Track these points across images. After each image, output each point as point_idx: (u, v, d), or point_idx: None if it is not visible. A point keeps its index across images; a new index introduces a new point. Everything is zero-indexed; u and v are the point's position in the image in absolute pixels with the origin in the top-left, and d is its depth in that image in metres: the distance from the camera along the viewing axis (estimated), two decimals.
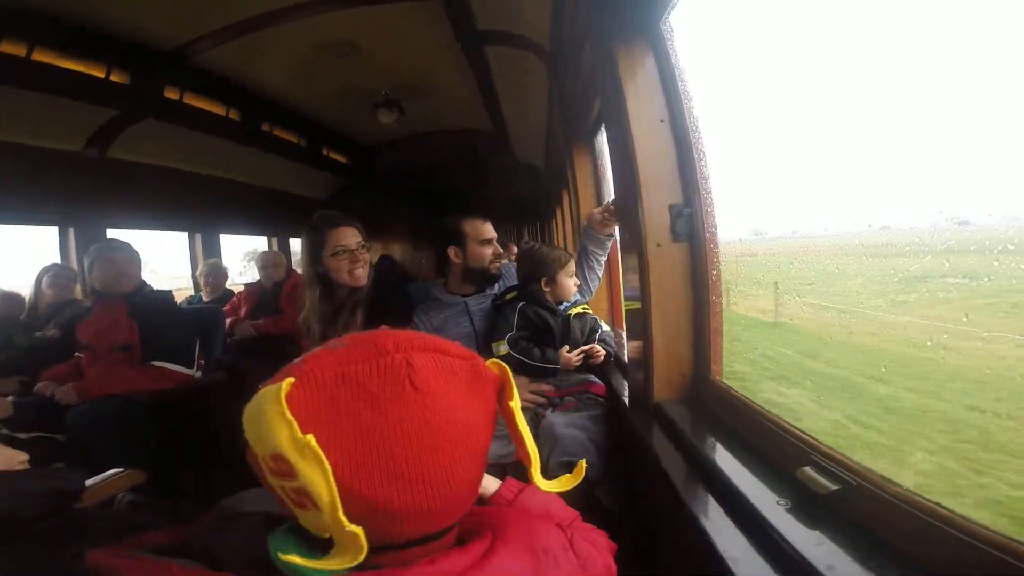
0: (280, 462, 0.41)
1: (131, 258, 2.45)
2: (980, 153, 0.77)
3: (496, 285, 1.92)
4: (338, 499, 0.41)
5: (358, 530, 0.40)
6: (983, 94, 0.74)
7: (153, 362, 2.36)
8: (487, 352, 1.75)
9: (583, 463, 0.62)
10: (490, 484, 0.78)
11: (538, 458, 0.55)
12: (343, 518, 0.40)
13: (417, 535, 0.48)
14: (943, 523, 0.58)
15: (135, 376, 2.30)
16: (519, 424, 0.55)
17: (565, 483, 0.59)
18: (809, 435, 0.86)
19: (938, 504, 0.60)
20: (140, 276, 2.49)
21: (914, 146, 0.89)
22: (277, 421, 0.41)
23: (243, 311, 3.63)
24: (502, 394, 0.55)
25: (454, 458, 0.48)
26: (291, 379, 0.43)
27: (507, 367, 0.56)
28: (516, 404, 0.55)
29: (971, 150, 0.78)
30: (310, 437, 0.40)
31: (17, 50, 2.21)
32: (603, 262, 2.00)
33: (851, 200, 1.10)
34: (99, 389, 2.21)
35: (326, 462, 0.40)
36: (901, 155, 0.93)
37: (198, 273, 3.97)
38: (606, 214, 1.85)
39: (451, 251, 1.84)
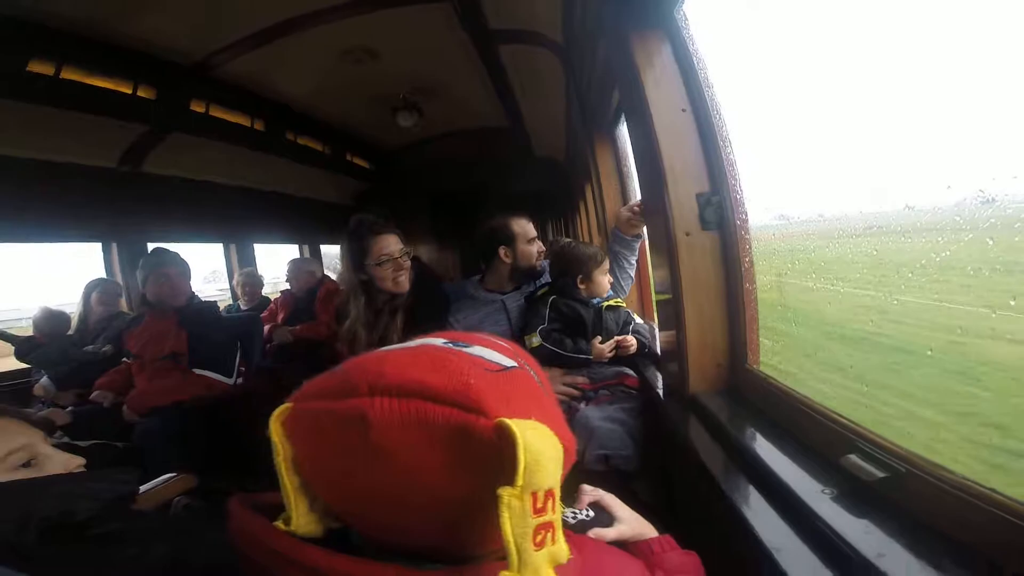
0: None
1: (183, 272, 2.55)
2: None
3: (534, 284, 1.93)
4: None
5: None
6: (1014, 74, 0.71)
7: (195, 370, 2.46)
8: (521, 346, 1.75)
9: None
10: (648, 529, 0.74)
11: (517, 559, 0.38)
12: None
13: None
14: (998, 508, 0.57)
15: (177, 386, 2.40)
16: (501, 519, 0.37)
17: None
18: (854, 422, 0.84)
19: (993, 490, 0.59)
20: (190, 288, 2.60)
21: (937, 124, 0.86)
22: (273, 443, 0.45)
23: (280, 317, 3.74)
24: (501, 468, 0.38)
25: (413, 511, 0.42)
26: (288, 405, 0.45)
27: (519, 441, 0.37)
28: (512, 493, 0.37)
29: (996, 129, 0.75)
30: (286, 465, 0.45)
31: (46, 69, 2.28)
32: (634, 263, 2.00)
33: (876, 180, 1.06)
34: (147, 403, 2.32)
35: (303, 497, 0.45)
36: (923, 132, 0.90)
37: (235, 283, 4.08)
38: (632, 214, 1.84)
39: (501, 251, 1.86)
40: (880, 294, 1.02)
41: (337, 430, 0.42)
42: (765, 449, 0.95)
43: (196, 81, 2.87)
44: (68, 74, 2.36)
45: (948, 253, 0.81)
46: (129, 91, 2.64)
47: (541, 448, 0.38)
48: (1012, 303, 0.68)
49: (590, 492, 0.75)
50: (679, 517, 1.34)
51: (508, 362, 0.49)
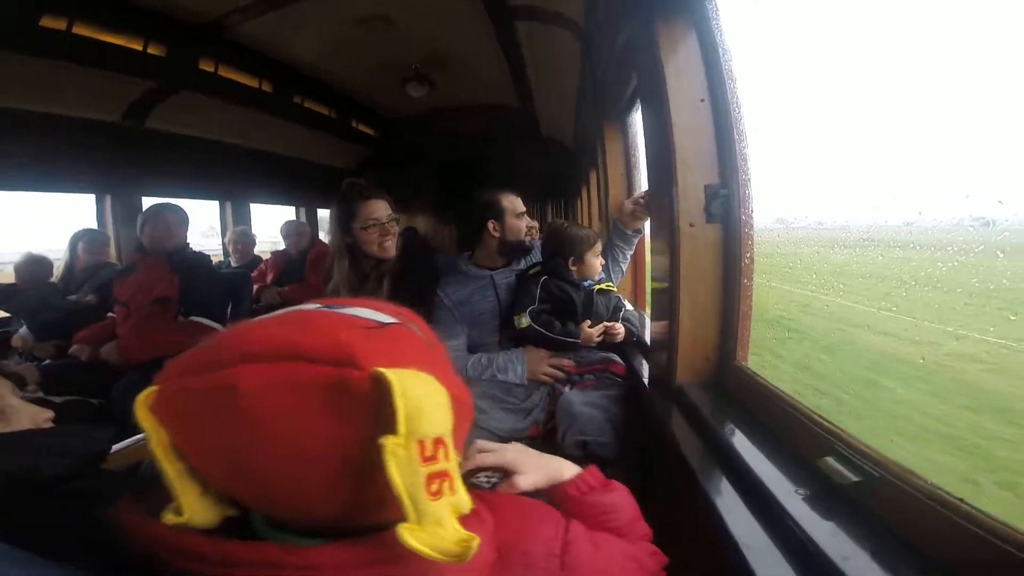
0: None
1: (181, 219, 2.62)
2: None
3: (523, 262, 1.93)
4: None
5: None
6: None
7: (191, 317, 2.46)
8: (510, 325, 1.78)
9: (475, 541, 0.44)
10: (565, 470, 0.73)
11: (413, 510, 0.37)
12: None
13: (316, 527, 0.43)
14: (965, 520, 0.57)
15: (173, 334, 2.39)
16: (388, 467, 0.36)
17: (443, 545, 0.38)
18: (834, 424, 0.85)
19: (962, 500, 0.59)
20: (185, 237, 2.63)
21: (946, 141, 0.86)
22: (143, 424, 0.41)
23: (269, 278, 3.74)
24: (382, 421, 0.37)
25: (303, 482, 0.40)
26: (154, 388, 0.42)
27: (394, 389, 0.37)
28: (395, 442, 0.36)
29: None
30: (163, 443, 0.41)
31: (57, 24, 2.27)
32: (628, 257, 2.01)
33: (884, 194, 1.06)
34: (139, 351, 2.30)
35: (178, 464, 0.42)
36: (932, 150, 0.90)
37: (227, 240, 4.04)
38: (636, 207, 1.83)
39: (490, 224, 1.86)
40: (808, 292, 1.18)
41: (210, 406, 0.39)
42: (744, 446, 0.96)
43: (208, 40, 2.85)
44: (80, 30, 2.34)
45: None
46: (140, 48, 2.62)
47: (422, 394, 0.38)
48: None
49: (484, 449, 0.75)
50: (654, 507, 1.36)
51: (387, 319, 0.47)
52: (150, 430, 0.41)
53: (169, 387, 0.41)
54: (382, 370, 0.37)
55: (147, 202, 3.44)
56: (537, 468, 0.72)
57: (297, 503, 0.42)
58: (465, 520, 0.40)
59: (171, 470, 0.41)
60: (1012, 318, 0.79)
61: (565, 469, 0.73)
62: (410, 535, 0.36)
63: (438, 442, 0.38)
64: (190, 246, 2.65)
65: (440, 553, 0.37)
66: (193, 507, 0.42)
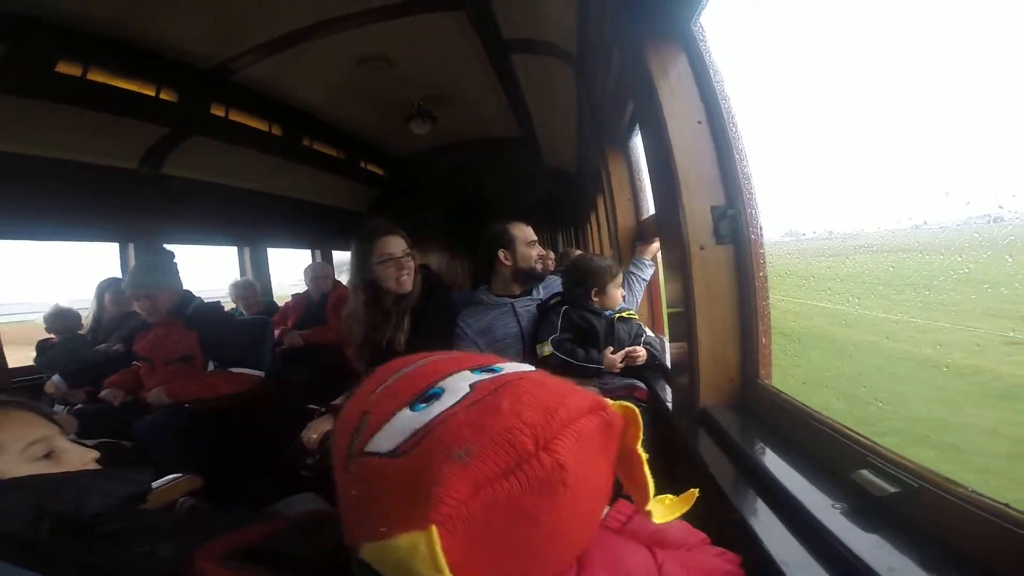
0: None
1: (159, 284, 2.46)
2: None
3: (540, 290, 1.96)
4: None
5: None
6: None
7: (231, 369, 2.46)
8: (532, 355, 1.79)
9: (694, 491, 0.55)
10: None
11: (652, 492, 0.48)
12: None
13: None
14: (1012, 524, 0.56)
15: (217, 381, 2.42)
16: (644, 467, 0.48)
17: (675, 510, 0.51)
18: (866, 437, 0.84)
19: (1007, 505, 0.58)
20: (181, 286, 2.53)
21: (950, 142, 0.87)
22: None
23: (291, 321, 3.77)
24: (625, 436, 0.47)
25: (587, 531, 0.47)
26: (434, 528, 0.35)
27: (634, 408, 0.48)
28: (640, 448, 0.48)
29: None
30: None
31: (73, 71, 2.35)
32: (644, 284, 2.09)
33: (888, 198, 1.07)
34: (187, 393, 2.32)
35: None
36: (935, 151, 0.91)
37: (230, 295, 3.96)
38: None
39: (501, 254, 1.90)
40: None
41: (534, 500, 0.38)
42: (775, 464, 0.94)
43: (216, 85, 2.93)
44: (94, 76, 2.42)
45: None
46: (152, 93, 2.70)
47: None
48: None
49: None
50: None
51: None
52: (438, 560, 0.34)
53: (470, 508, 0.36)
54: (620, 403, 0.48)
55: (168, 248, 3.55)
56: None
57: (562, 555, 0.45)
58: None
59: None
60: None
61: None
62: (657, 509, 0.49)
63: None
64: (191, 294, 2.56)
65: (675, 515, 0.51)
66: None
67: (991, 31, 0.74)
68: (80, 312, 3.08)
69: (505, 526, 0.38)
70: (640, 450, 0.47)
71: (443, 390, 0.45)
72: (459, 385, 0.46)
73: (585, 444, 0.42)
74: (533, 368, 0.52)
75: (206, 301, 2.65)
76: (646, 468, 0.47)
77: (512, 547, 0.39)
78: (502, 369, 0.50)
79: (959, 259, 0.85)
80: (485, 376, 0.48)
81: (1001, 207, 0.75)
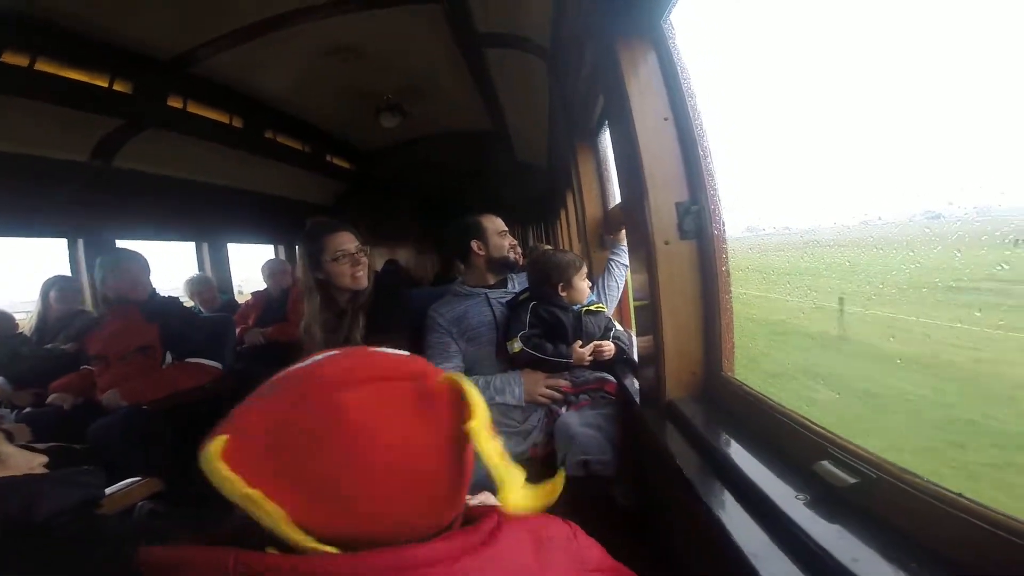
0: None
1: (143, 267, 2.54)
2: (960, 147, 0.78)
3: (515, 282, 1.98)
4: (299, 533, 0.42)
5: (332, 550, 0.43)
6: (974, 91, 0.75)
7: (188, 359, 2.42)
8: (505, 350, 1.79)
9: (561, 474, 0.55)
10: (488, 500, 0.77)
11: (509, 479, 0.48)
12: (314, 545, 0.42)
13: (404, 540, 0.47)
14: (965, 513, 0.58)
15: (174, 375, 2.37)
16: (481, 445, 0.47)
17: (539, 498, 0.51)
18: (824, 428, 0.85)
19: (960, 495, 0.60)
20: (150, 284, 2.55)
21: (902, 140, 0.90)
22: (221, 480, 0.42)
23: (252, 319, 3.67)
24: (459, 412, 0.48)
25: (405, 488, 0.46)
26: (224, 437, 0.44)
27: (463, 382, 0.50)
28: (477, 424, 0.47)
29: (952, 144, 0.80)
30: (256, 492, 0.42)
31: (20, 61, 2.22)
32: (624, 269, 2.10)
33: (843, 194, 1.10)
34: (144, 391, 2.26)
35: (278, 509, 0.42)
36: (890, 149, 0.94)
37: (186, 291, 3.83)
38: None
39: (474, 244, 1.90)
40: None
41: (315, 438, 0.44)
42: (740, 455, 0.96)
43: (175, 76, 2.81)
44: (43, 66, 2.29)
45: None
46: (105, 84, 2.56)
47: (474, 390, 0.49)
48: None
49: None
50: (656, 522, 1.35)
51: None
52: (227, 480, 0.42)
53: (255, 427, 0.45)
54: (449, 375, 0.50)
55: (120, 245, 3.37)
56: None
57: (402, 517, 0.47)
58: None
59: (267, 509, 0.43)
60: None
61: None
62: (512, 498, 0.48)
63: (491, 424, 0.48)
64: (156, 291, 2.58)
65: (535, 507, 0.50)
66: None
67: (947, 29, 0.77)
68: (14, 315, 2.93)
69: (286, 445, 0.44)
70: (473, 426, 0.47)
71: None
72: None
73: (384, 402, 0.46)
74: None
75: (164, 296, 2.63)
76: (487, 449, 0.47)
77: (301, 473, 0.44)
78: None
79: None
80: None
81: (951, 203, 0.79)
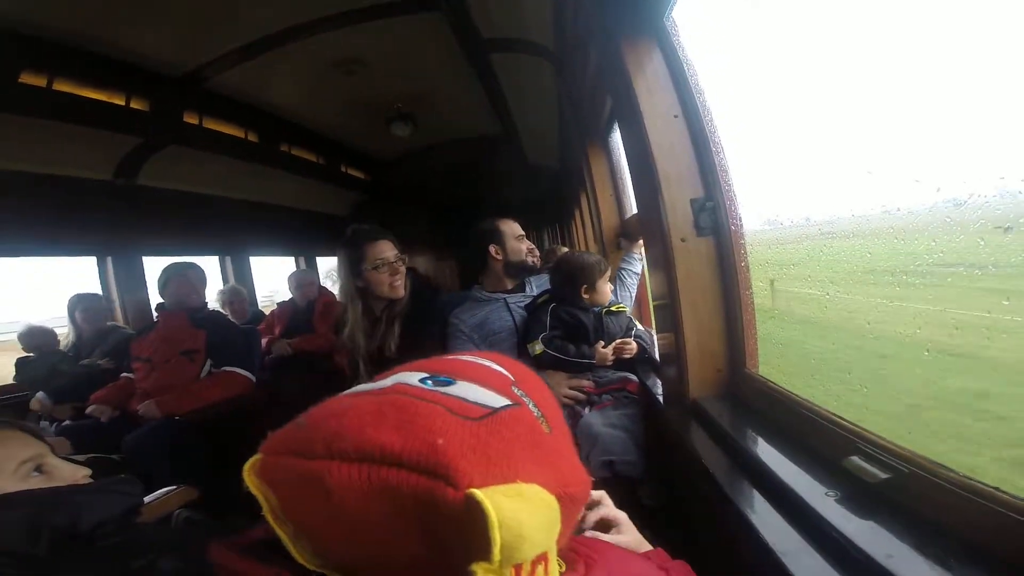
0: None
1: (202, 278, 2.77)
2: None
3: (532, 286, 1.97)
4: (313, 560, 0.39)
5: None
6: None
7: (224, 367, 2.54)
8: (526, 354, 1.78)
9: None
10: (645, 543, 0.74)
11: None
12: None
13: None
14: (1000, 506, 0.57)
15: (206, 386, 2.47)
16: None
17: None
18: (853, 423, 0.84)
19: (997, 488, 0.59)
20: (205, 296, 2.75)
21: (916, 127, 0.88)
22: (252, 490, 0.39)
23: (277, 330, 3.72)
24: (475, 544, 0.33)
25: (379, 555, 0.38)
26: (258, 457, 0.40)
27: (492, 519, 0.32)
28: (485, 569, 0.32)
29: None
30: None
31: (38, 81, 2.28)
32: (636, 277, 2.12)
33: (861, 184, 1.07)
34: (179, 403, 2.36)
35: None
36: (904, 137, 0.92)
37: (218, 301, 3.89)
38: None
39: (492, 249, 1.90)
40: None
41: (307, 490, 0.37)
42: (767, 453, 0.95)
43: (189, 93, 2.87)
44: (60, 86, 2.36)
45: None
46: (122, 102, 2.63)
47: (523, 520, 0.33)
48: None
49: (602, 504, 0.75)
50: (684, 522, 1.34)
51: (497, 401, 0.42)
52: (259, 495, 0.39)
53: (272, 460, 0.39)
54: (479, 495, 0.33)
55: (148, 262, 3.51)
56: (632, 529, 0.75)
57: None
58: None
59: (283, 533, 0.39)
60: None
61: (644, 542, 0.74)
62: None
63: (538, 561, 0.35)
64: (208, 305, 2.76)
65: None
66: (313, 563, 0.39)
67: (958, 19, 0.75)
68: (55, 329, 3.04)
69: (296, 490, 0.38)
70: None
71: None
72: (386, 381, 0.45)
73: (380, 494, 0.35)
74: (503, 377, 0.47)
75: (212, 309, 2.84)
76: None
77: (316, 522, 0.38)
78: (453, 380, 0.44)
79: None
80: (424, 380, 0.44)
81: (972, 194, 0.76)
